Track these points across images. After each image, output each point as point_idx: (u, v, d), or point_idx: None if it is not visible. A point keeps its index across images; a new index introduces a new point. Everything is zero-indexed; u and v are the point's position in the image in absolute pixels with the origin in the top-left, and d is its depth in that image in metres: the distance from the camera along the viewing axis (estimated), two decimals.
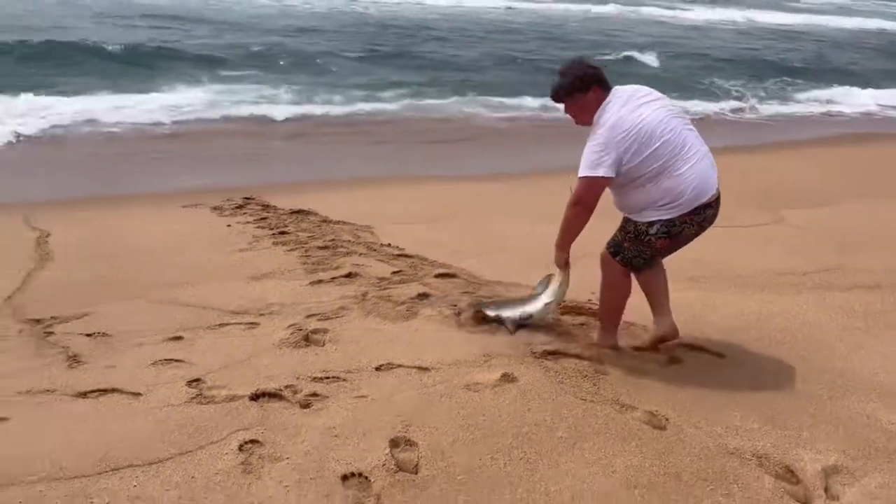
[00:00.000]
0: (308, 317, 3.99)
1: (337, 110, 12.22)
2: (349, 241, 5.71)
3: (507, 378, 3.18)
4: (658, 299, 3.53)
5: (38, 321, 3.90)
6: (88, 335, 3.71)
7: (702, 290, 4.60)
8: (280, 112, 11.65)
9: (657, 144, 3.09)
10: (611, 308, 3.56)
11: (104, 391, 3.05)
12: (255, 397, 2.97)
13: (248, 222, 6.27)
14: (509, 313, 3.81)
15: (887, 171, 9.11)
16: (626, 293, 3.51)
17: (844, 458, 2.62)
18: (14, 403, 2.94)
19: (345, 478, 2.40)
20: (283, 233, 5.94)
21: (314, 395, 3.01)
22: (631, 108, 3.14)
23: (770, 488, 2.38)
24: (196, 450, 2.57)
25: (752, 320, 4.08)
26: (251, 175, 8.31)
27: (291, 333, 3.72)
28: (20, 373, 3.25)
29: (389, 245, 5.61)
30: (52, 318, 3.93)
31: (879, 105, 15.25)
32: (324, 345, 3.61)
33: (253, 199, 7.13)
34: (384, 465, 2.47)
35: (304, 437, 2.66)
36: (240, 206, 6.87)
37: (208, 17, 22.28)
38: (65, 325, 3.86)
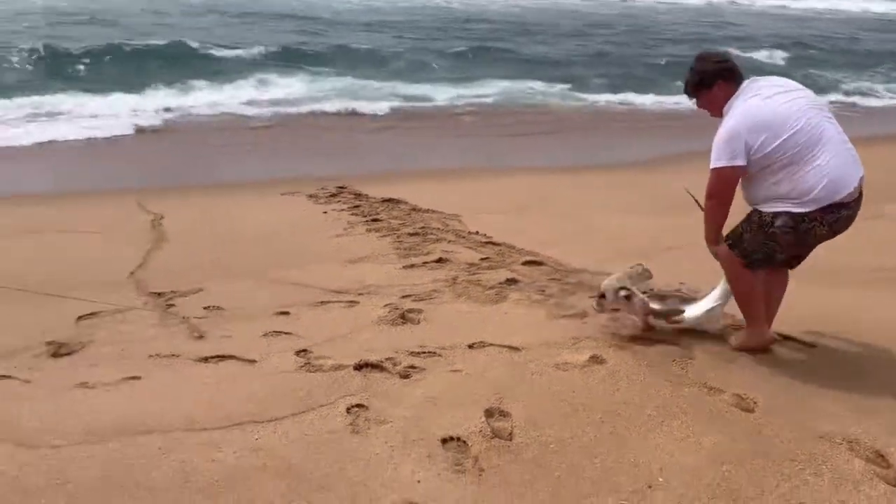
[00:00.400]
0: (403, 297, 4.20)
1: (426, 103, 12.51)
2: (438, 228, 5.91)
3: (596, 360, 3.28)
4: (768, 303, 3.38)
5: (159, 294, 4.27)
6: (205, 308, 4.04)
7: (795, 281, 4.56)
8: (370, 106, 12.01)
9: (788, 134, 2.97)
10: (746, 301, 3.34)
11: (223, 357, 3.35)
12: (358, 367, 3.19)
13: (342, 210, 6.58)
14: (668, 308, 3.58)
15: None
16: (754, 281, 3.28)
17: None
18: (145, 365, 3.26)
19: (444, 441, 2.58)
20: (375, 220, 6.20)
21: (412, 367, 3.21)
22: (761, 97, 3.08)
23: (860, 470, 2.41)
24: (308, 411, 2.81)
25: (844, 314, 4.03)
26: (342, 165, 8.67)
27: (388, 312, 3.94)
28: (148, 339, 3.59)
29: (477, 233, 5.79)
30: (171, 292, 4.30)
31: None
32: (419, 323, 3.81)
33: (345, 188, 7.46)
34: (480, 431, 2.64)
35: (406, 404, 2.86)
36: (334, 195, 7.20)
37: (296, 12, 23.04)
38: (183, 298, 4.21)
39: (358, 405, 2.85)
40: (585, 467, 2.42)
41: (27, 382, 3.08)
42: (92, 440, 2.57)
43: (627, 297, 3.54)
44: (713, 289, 3.53)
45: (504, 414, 2.79)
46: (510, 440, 2.61)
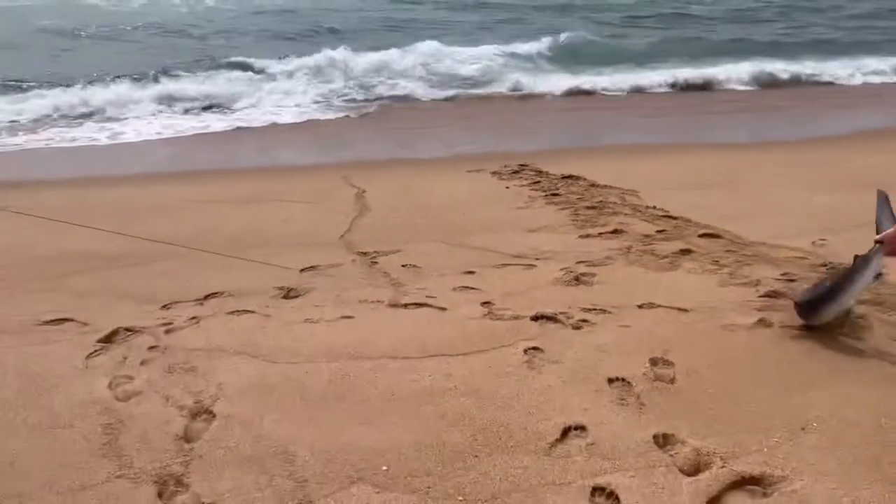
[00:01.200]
0: (578, 263, 4.51)
1: (605, 82, 12.57)
2: (616, 202, 6.12)
3: (763, 323, 3.41)
4: None
5: (365, 253, 4.92)
6: (403, 265, 4.62)
7: None
8: (551, 85, 12.30)
9: None
10: None
11: (419, 304, 3.87)
12: (535, 318, 3.57)
13: (523, 185, 6.97)
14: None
15: None
16: None
17: None
18: (356, 308, 3.87)
19: (610, 380, 2.89)
20: (554, 195, 6.53)
21: (584, 321, 3.53)
22: None
23: None
24: (490, 349, 3.24)
25: None
26: (525, 143, 9.07)
27: (564, 274, 4.28)
28: (358, 288, 4.22)
29: (654, 207, 5.92)
30: (374, 251, 4.94)
31: None
32: (592, 285, 4.11)
33: (527, 165, 7.85)
34: (644, 374, 2.92)
35: (577, 349, 3.20)
36: (516, 172, 7.62)
37: None
38: (384, 257, 4.82)
39: (534, 348, 3.24)
40: (741, 409, 2.63)
41: (266, 317, 3.79)
42: (318, 360, 3.18)
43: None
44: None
45: (668, 363, 3.04)
46: (671, 384, 2.86)
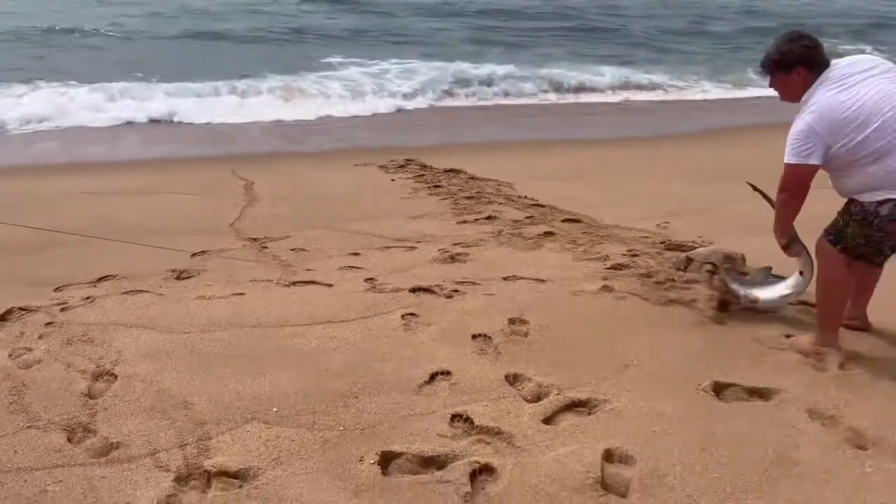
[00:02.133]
0: (454, 244, 4.98)
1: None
2: (492, 193, 6.67)
3: (607, 289, 3.99)
4: (860, 287, 3.28)
5: (255, 239, 5.19)
6: (292, 249, 4.93)
7: None
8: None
9: (876, 124, 2.77)
10: (829, 305, 3.12)
11: (307, 282, 4.21)
12: (413, 290, 3.99)
13: (408, 178, 7.40)
14: (745, 291, 3.61)
15: None
16: (849, 288, 3.15)
17: None
18: (247, 286, 4.15)
19: (474, 336, 3.35)
20: (437, 186, 7.00)
21: (456, 291, 3.99)
22: (845, 87, 2.85)
23: (795, 361, 3.05)
24: (372, 316, 3.63)
25: None
26: (413, 139, 9.55)
27: (441, 254, 4.73)
28: (248, 269, 4.49)
29: (526, 197, 6.50)
30: (264, 237, 5.21)
31: None
32: (465, 262, 4.59)
33: (413, 160, 8.29)
34: (502, 331, 3.40)
35: (447, 314, 3.64)
36: (402, 166, 8.04)
37: None
38: (274, 242, 5.11)
39: (411, 314, 3.65)
40: (579, 354, 3.15)
41: (160, 295, 4.01)
42: (212, 329, 3.46)
43: (711, 273, 3.71)
44: (792, 276, 3.53)
45: (524, 322, 3.53)
46: (525, 337, 3.36)
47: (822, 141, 2.85)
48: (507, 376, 2.94)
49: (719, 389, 2.82)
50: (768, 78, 3.13)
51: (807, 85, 2.96)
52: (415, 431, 2.51)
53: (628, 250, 4.77)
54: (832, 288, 3.12)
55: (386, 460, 2.34)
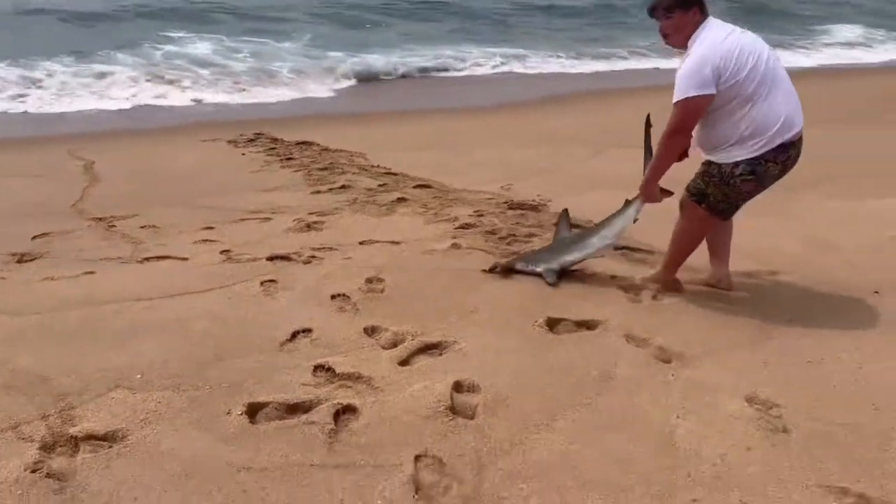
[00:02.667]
0: (310, 214, 5.10)
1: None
2: (345, 163, 6.81)
3: (455, 246, 4.29)
4: (720, 248, 3.58)
5: (101, 219, 5.04)
6: (141, 227, 4.85)
7: None
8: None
9: (751, 66, 3.04)
10: (681, 252, 3.49)
11: (160, 257, 4.19)
12: (270, 259, 4.09)
13: (259, 152, 7.38)
14: (546, 265, 3.75)
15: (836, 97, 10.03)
16: (701, 241, 3.48)
17: None
18: (98, 265, 4.07)
19: (333, 297, 3.53)
20: (289, 159, 7.04)
21: (313, 257, 4.14)
22: (727, 31, 3.14)
23: (615, 295, 3.50)
24: (231, 285, 3.70)
25: None
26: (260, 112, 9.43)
27: (296, 223, 4.84)
28: (97, 249, 4.39)
29: (378, 166, 6.70)
30: (111, 216, 5.08)
31: None
32: (321, 230, 4.73)
33: (262, 134, 8.23)
34: (360, 289, 3.60)
35: (306, 278, 3.79)
36: (251, 140, 7.98)
37: None
38: (122, 221, 5.00)
39: (269, 280, 3.77)
40: (431, 304, 3.42)
41: (2, 279, 3.86)
42: (65, 308, 3.41)
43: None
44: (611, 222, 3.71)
45: (380, 280, 3.75)
46: (381, 293, 3.58)
47: (715, 70, 3.02)
48: (365, 329, 3.15)
49: (552, 324, 3.19)
50: (662, 21, 3.23)
51: (697, 24, 3.16)
52: (279, 384, 2.67)
53: (475, 211, 5.11)
54: (691, 240, 3.44)
55: (253, 411, 2.49)
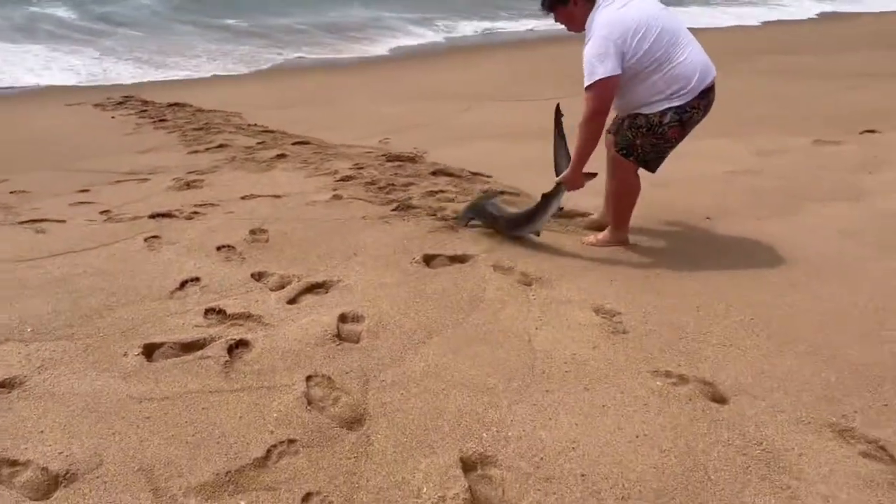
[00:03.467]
0: (188, 173, 5.13)
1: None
2: (220, 123, 6.79)
3: (337, 197, 4.50)
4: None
5: None
6: (11, 192, 4.73)
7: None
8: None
9: (655, 35, 3.15)
10: (626, 207, 3.63)
11: (36, 220, 4.15)
12: (152, 216, 4.15)
13: (130, 114, 7.20)
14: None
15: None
16: (638, 192, 3.60)
17: None
18: None
19: (218, 248, 3.67)
20: (162, 120, 6.93)
21: (196, 213, 4.23)
22: (622, 6, 3.21)
23: (480, 234, 3.84)
24: (113, 243, 3.75)
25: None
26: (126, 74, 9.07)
27: (175, 182, 4.87)
28: None
29: (255, 125, 6.73)
30: None
31: None
32: (201, 188, 4.79)
33: (132, 97, 8.00)
34: (244, 240, 3.76)
35: (190, 232, 3.89)
36: (120, 103, 7.75)
37: None
38: None
39: (153, 236, 3.84)
40: (315, 250, 3.63)
41: None
42: None
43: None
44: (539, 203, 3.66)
45: (263, 231, 3.92)
46: (266, 242, 3.75)
47: (618, 50, 3.12)
48: (252, 275, 3.33)
49: (428, 260, 3.49)
50: (552, 15, 3.40)
51: (586, 13, 3.27)
52: (172, 327, 2.82)
53: (354, 164, 5.31)
54: (629, 192, 3.58)
55: (149, 351, 2.64)
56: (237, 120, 6.95)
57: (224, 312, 2.95)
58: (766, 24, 16.95)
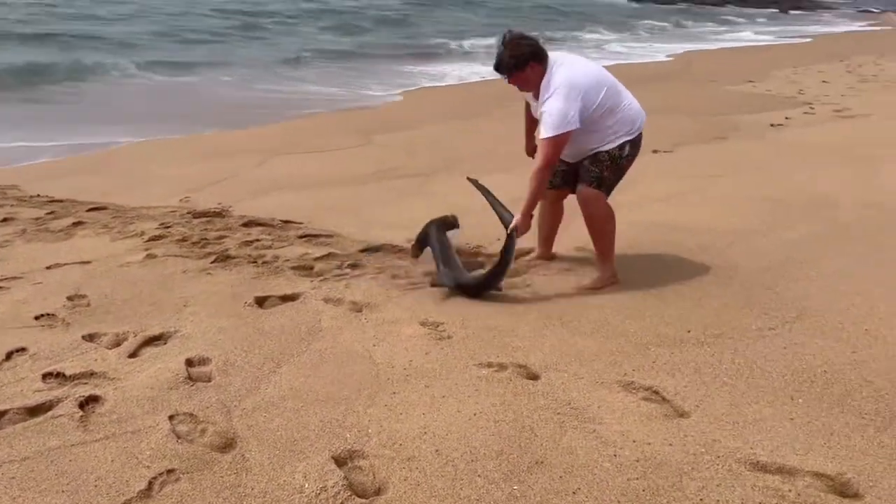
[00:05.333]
0: None
1: None
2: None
3: (151, 256, 4.53)
4: (551, 233, 4.26)
5: None
6: None
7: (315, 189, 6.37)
8: None
9: (605, 89, 3.57)
10: (610, 239, 3.86)
11: None
12: None
13: None
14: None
15: (460, 103, 11.93)
16: (614, 216, 3.86)
17: None
18: None
19: (37, 317, 3.58)
20: None
21: (1, 287, 4.05)
22: (574, 65, 3.59)
23: (321, 269, 4.14)
24: None
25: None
26: None
27: None
28: None
29: (38, 196, 6.41)
30: None
31: None
32: None
33: None
34: (64, 306, 3.70)
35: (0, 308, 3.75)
36: None
37: None
38: None
39: None
40: (142, 308, 3.68)
41: None
42: None
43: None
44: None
45: (82, 296, 3.87)
46: (88, 307, 3.73)
47: (579, 105, 3.46)
48: (83, 336, 3.33)
49: (261, 302, 3.71)
50: (506, 78, 3.62)
51: (540, 74, 3.53)
52: (11, 395, 2.78)
53: (160, 224, 5.32)
54: (611, 217, 3.84)
55: None
56: (16, 192, 6.53)
57: (63, 375, 2.95)
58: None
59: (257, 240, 4.81)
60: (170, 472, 2.27)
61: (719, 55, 21.57)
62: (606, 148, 3.71)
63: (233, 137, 9.33)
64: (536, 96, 3.63)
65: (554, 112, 3.45)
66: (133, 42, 17.53)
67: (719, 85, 13.61)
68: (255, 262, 4.38)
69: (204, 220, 5.43)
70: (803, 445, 2.39)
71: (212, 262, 4.37)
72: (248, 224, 5.23)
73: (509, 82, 3.67)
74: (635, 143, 3.79)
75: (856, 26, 35.96)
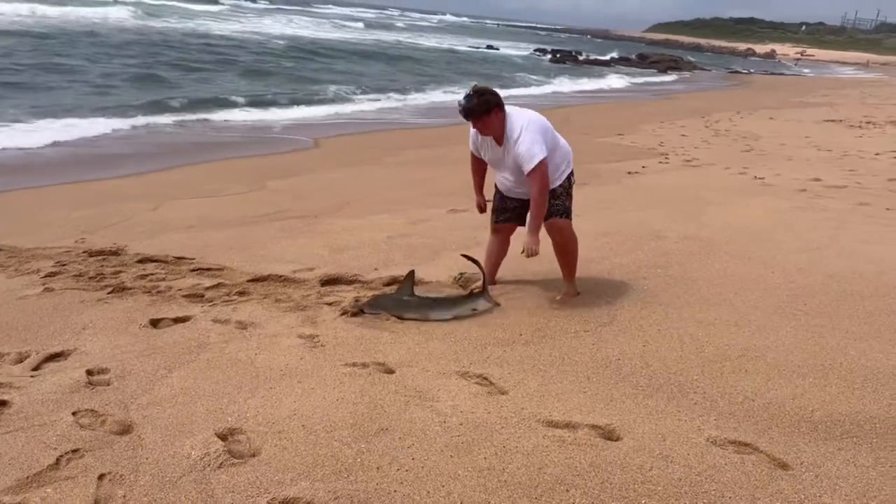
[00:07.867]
0: None
1: None
2: None
3: (49, 290, 4.86)
4: (497, 265, 4.95)
5: None
6: None
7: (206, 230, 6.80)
8: None
9: (548, 131, 4.23)
10: (575, 259, 4.63)
11: None
12: None
13: None
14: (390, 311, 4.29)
15: (349, 152, 12.60)
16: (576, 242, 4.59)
17: None
18: None
19: None
20: None
21: None
22: (523, 112, 4.23)
23: (202, 290, 4.61)
24: None
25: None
26: None
27: None
28: None
29: None
30: None
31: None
32: None
33: None
34: None
35: None
36: None
37: None
38: None
39: None
40: (42, 332, 4.06)
41: None
42: None
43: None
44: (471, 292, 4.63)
45: None
46: None
47: (544, 140, 4.14)
48: None
49: (155, 323, 4.17)
50: (472, 122, 4.19)
51: (502, 121, 4.15)
52: None
53: (57, 262, 5.63)
54: (576, 241, 4.55)
55: None
56: None
57: None
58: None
59: (152, 273, 5.24)
60: (74, 451, 2.73)
61: (597, 110, 23.40)
62: (558, 182, 4.37)
63: (127, 183, 9.59)
64: (498, 141, 4.25)
65: (530, 144, 4.08)
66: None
67: (591, 138, 14.94)
68: (150, 291, 4.81)
69: (100, 258, 5.78)
70: (588, 408, 3.13)
71: (108, 293, 4.77)
72: (143, 260, 5.64)
73: (474, 126, 4.26)
74: (573, 171, 4.54)
75: (723, 84, 39.57)
